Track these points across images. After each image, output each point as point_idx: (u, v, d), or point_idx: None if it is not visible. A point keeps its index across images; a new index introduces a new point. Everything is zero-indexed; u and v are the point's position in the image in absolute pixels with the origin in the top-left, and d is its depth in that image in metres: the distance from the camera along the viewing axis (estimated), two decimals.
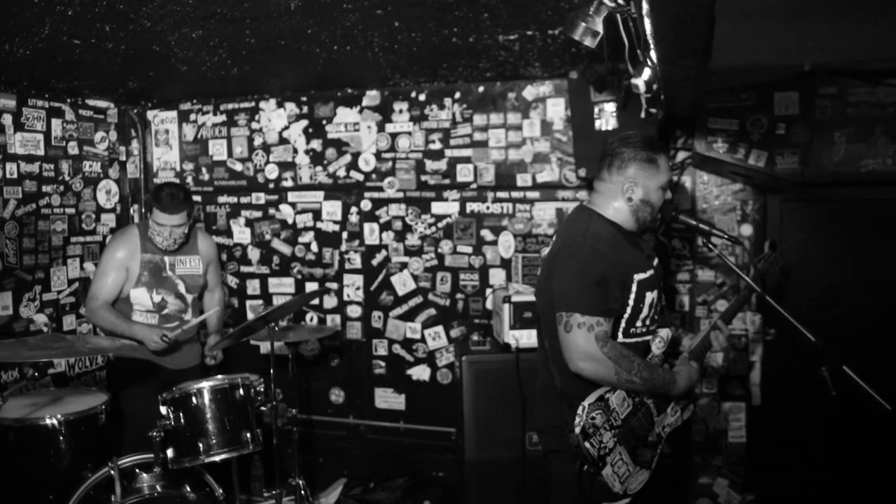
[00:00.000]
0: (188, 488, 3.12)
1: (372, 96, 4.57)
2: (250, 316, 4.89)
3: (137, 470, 3.10)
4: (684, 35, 1.53)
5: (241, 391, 3.27)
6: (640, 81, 2.88)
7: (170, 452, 3.13)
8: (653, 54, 2.39)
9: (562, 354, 2.47)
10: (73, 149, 4.63)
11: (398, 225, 4.58)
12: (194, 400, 3.18)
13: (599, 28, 2.19)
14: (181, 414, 3.16)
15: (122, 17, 2.90)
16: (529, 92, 4.29)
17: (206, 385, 3.22)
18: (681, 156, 4.10)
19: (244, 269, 4.91)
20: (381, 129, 4.57)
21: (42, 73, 3.98)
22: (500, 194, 4.38)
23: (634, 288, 2.50)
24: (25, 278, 4.31)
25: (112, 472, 3.09)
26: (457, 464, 4.37)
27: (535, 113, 4.29)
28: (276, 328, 3.45)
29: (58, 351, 3.05)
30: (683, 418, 2.66)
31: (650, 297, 2.56)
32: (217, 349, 4.01)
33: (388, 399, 4.65)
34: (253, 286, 4.90)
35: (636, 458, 2.48)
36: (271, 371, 3.43)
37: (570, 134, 4.19)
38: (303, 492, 3.68)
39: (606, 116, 3.55)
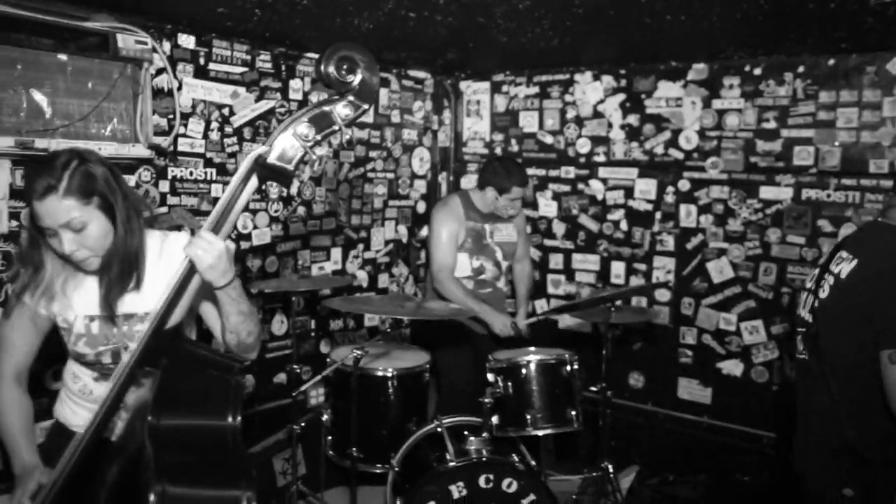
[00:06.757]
0: (515, 457, 3.16)
1: (699, 70, 4.28)
2: (551, 290, 4.89)
3: (466, 432, 3.19)
4: None
5: (568, 367, 3.24)
6: None
7: (494, 419, 3.20)
8: None
9: (865, 401, 2.11)
10: (395, 117, 4.89)
11: (719, 208, 4.26)
12: (523, 371, 3.20)
13: None
14: (510, 384, 3.20)
15: None
16: (895, 65, 3.75)
17: (534, 358, 3.22)
18: None
19: (548, 242, 4.90)
20: (706, 104, 4.27)
21: (377, 46, 4.20)
22: (846, 181, 3.89)
23: None
24: (352, 237, 4.66)
25: (439, 429, 3.23)
26: (765, 469, 4.05)
27: None
28: (613, 308, 3.36)
29: (405, 310, 3.22)
30: None
31: None
32: (531, 320, 4.02)
33: (692, 391, 4.40)
34: (556, 260, 4.87)
35: None
36: (603, 352, 3.36)
37: None
38: (610, 475, 3.60)
39: None
